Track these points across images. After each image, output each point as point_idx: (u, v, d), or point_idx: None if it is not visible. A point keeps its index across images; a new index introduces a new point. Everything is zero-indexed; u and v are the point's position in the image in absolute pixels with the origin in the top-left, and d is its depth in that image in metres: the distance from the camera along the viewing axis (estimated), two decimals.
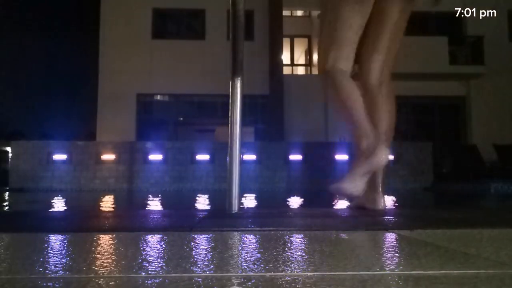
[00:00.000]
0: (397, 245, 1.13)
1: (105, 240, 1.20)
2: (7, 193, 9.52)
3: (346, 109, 1.82)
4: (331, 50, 1.81)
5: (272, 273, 0.78)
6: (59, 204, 5.79)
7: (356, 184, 1.78)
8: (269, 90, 14.60)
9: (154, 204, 5.86)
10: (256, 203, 5.98)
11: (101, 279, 0.74)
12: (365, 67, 1.91)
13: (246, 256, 0.94)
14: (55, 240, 1.21)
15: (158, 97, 15.60)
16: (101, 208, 5.18)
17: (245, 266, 0.83)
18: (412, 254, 0.98)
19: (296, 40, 17.59)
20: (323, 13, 1.85)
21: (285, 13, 15.80)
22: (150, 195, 8.28)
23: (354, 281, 0.72)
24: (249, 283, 0.71)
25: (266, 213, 2.10)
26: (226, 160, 2.01)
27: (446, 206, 5.97)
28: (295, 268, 0.83)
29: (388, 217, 1.83)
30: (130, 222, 1.71)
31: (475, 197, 7.67)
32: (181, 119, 15.70)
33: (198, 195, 8.35)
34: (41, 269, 0.82)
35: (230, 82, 2.03)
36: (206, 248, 1.07)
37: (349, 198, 2.02)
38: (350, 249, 1.07)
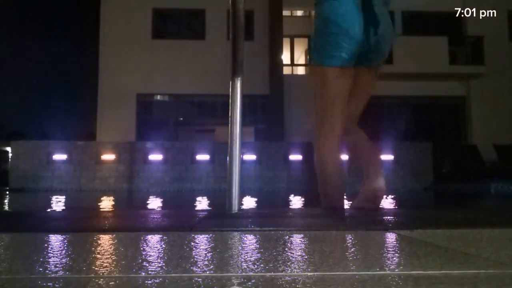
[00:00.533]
0: (397, 245, 1.13)
1: (105, 240, 1.20)
2: (7, 193, 9.52)
3: (324, 169, 2.15)
4: (325, 121, 2.12)
5: (272, 273, 0.78)
6: (59, 204, 5.79)
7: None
8: (269, 90, 14.59)
9: (154, 204, 5.86)
10: (256, 203, 5.97)
11: (101, 279, 0.74)
12: (350, 115, 2.23)
13: (246, 256, 0.94)
14: (55, 240, 1.21)
15: (158, 97, 15.59)
16: (101, 208, 5.18)
17: (245, 266, 0.83)
18: (412, 254, 0.98)
19: (296, 40, 17.58)
20: (312, 86, 2.17)
21: (285, 13, 15.79)
22: (150, 195, 8.28)
23: (354, 281, 0.72)
24: (249, 283, 0.71)
25: (266, 213, 2.10)
26: (226, 160, 2.01)
27: (446, 206, 5.97)
28: (295, 268, 0.83)
29: (388, 217, 1.83)
30: (130, 222, 1.71)
31: (475, 197, 7.67)
32: (181, 119, 15.69)
33: (198, 195, 8.34)
34: (41, 269, 0.82)
35: (230, 82, 2.03)
36: (206, 248, 1.07)
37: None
38: (350, 249, 1.07)
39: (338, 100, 2.09)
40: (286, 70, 16.37)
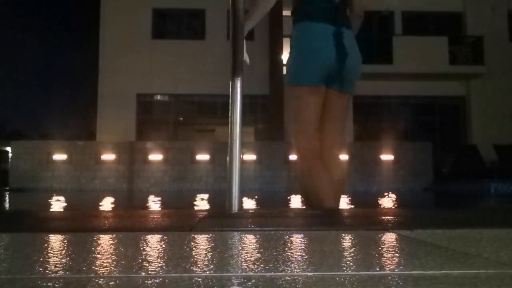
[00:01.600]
0: (397, 245, 1.13)
1: (105, 240, 1.20)
2: (7, 193, 9.52)
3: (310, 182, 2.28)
4: (299, 135, 2.26)
5: (272, 273, 0.78)
6: (59, 204, 5.79)
7: None
8: (269, 90, 14.58)
9: (154, 204, 5.86)
10: (256, 203, 5.98)
11: (101, 279, 0.74)
12: (324, 141, 2.34)
13: (246, 256, 0.94)
14: (55, 240, 1.21)
15: (158, 97, 15.58)
16: (101, 208, 5.18)
17: (245, 266, 0.83)
18: (412, 254, 0.98)
19: None
20: (287, 102, 2.25)
21: (285, 13, 15.77)
22: (150, 195, 8.28)
23: (354, 281, 0.72)
24: (249, 283, 0.71)
25: (266, 213, 2.10)
26: (226, 160, 2.01)
27: (446, 206, 5.97)
28: (295, 268, 0.83)
29: (388, 217, 1.83)
30: (130, 222, 1.71)
31: (475, 197, 7.67)
32: (181, 119, 15.69)
33: (198, 195, 8.35)
34: (41, 269, 0.82)
35: (230, 82, 2.03)
36: (206, 248, 1.07)
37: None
38: (350, 249, 1.07)
39: (309, 113, 2.23)
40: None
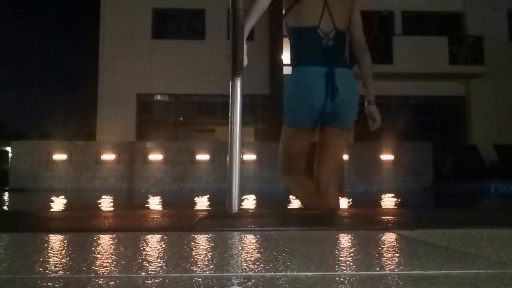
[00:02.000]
0: (397, 245, 1.13)
1: (105, 240, 1.20)
2: (7, 193, 9.52)
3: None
4: (284, 162, 2.43)
5: (272, 273, 0.78)
6: (59, 204, 5.80)
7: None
8: (269, 90, 14.58)
9: (154, 204, 5.86)
10: (256, 203, 5.98)
11: (101, 279, 0.74)
12: (319, 179, 2.46)
13: (246, 256, 0.94)
14: (55, 240, 1.21)
15: (158, 97, 15.58)
16: (101, 208, 5.18)
17: (245, 266, 0.83)
18: (412, 254, 0.98)
19: None
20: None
21: None
22: (150, 195, 8.28)
23: (354, 281, 0.72)
24: (249, 283, 0.71)
25: (266, 213, 2.10)
26: (226, 160, 2.01)
27: (446, 206, 5.97)
28: (295, 268, 0.83)
29: (388, 217, 1.83)
30: (130, 222, 1.71)
31: (475, 197, 7.67)
32: (181, 119, 15.69)
33: (198, 195, 8.35)
34: (41, 269, 0.82)
35: (230, 82, 2.03)
36: (206, 248, 1.07)
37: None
38: (350, 249, 1.07)
39: (296, 149, 2.37)
40: (286, 70, 16.36)
